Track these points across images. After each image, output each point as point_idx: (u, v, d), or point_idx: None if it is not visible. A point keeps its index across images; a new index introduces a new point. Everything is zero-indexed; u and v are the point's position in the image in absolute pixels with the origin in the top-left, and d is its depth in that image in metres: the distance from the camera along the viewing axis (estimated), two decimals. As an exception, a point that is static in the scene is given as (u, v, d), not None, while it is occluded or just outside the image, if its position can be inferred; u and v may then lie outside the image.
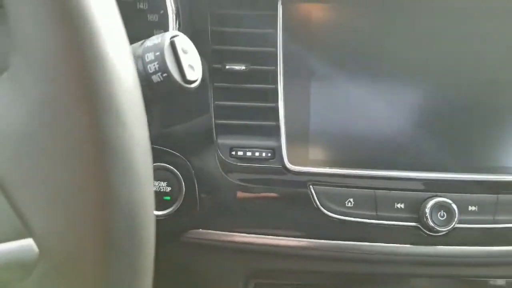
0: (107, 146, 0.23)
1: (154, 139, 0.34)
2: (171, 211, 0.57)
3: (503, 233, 0.59)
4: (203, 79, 0.40)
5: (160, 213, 0.56)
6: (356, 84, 0.59)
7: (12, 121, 0.23)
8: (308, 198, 0.57)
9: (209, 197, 0.58)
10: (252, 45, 0.59)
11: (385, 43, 0.59)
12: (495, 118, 0.59)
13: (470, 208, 0.57)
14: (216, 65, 0.59)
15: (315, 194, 0.57)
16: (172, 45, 0.36)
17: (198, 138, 0.59)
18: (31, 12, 0.23)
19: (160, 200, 0.57)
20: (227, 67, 0.58)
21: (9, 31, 0.24)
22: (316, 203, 0.57)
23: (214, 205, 0.59)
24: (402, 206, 0.57)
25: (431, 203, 0.56)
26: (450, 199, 0.56)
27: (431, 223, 0.55)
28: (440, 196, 0.56)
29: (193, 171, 0.57)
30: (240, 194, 0.58)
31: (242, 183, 0.58)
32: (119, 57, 0.25)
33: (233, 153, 0.58)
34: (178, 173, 0.57)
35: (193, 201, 0.57)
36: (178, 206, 0.57)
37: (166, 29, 0.61)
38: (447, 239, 0.58)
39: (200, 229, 0.59)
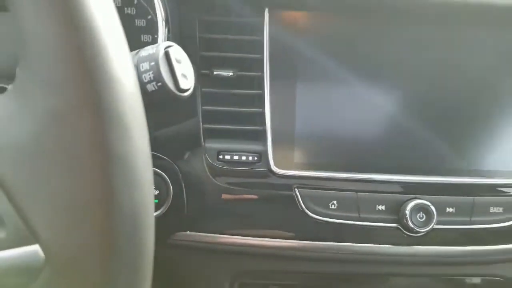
0: (111, 156, 0.24)
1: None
2: (159, 213, 0.57)
3: (479, 233, 0.61)
4: None
5: (148, 215, 0.57)
6: (340, 89, 0.60)
7: (19, 132, 0.24)
8: (293, 201, 0.59)
9: (196, 200, 0.59)
10: (239, 52, 0.60)
11: (368, 50, 0.60)
12: (471, 123, 0.61)
13: (447, 209, 0.59)
14: (204, 71, 0.59)
15: (300, 196, 0.59)
16: (167, 55, 0.37)
17: (186, 142, 0.59)
18: (38, 27, 0.24)
19: (148, 203, 0.57)
20: (215, 73, 0.59)
21: (16, 44, 0.25)
22: (301, 205, 0.59)
23: (202, 208, 0.59)
24: (383, 208, 0.59)
25: (410, 205, 0.57)
26: (428, 201, 0.58)
27: (410, 224, 0.57)
28: (419, 198, 0.58)
29: (180, 175, 0.58)
30: (227, 197, 0.59)
31: (229, 186, 0.59)
32: (123, 71, 0.26)
33: (221, 156, 0.58)
34: (166, 176, 0.57)
35: (181, 204, 0.58)
36: (166, 209, 0.57)
37: (154, 34, 0.61)
38: (426, 240, 0.59)
39: (188, 232, 0.60)
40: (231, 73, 0.59)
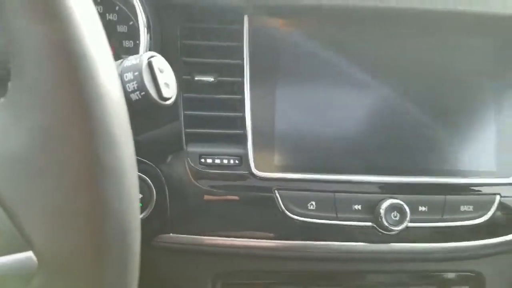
0: (100, 167, 0.25)
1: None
2: (142, 217, 0.58)
3: (451, 230, 0.63)
4: None
5: (132, 218, 0.58)
6: (318, 93, 0.62)
7: (11, 144, 0.25)
8: (273, 202, 0.60)
9: (179, 203, 0.59)
10: (220, 58, 0.61)
11: (345, 54, 0.62)
12: (443, 125, 0.63)
13: (420, 208, 0.61)
14: (186, 77, 0.61)
15: (280, 198, 0.60)
16: (150, 65, 0.38)
17: (168, 146, 0.60)
18: (30, 42, 0.25)
19: (132, 207, 0.58)
20: (196, 78, 0.60)
21: (9, 58, 0.26)
22: (281, 206, 0.60)
23: (184, 211, 0.60)
24: (359, 207, 0.60)
25: (385, 204, 0.59)
26: (402, 200, 0.60)
27: (385, 223, 0.59)
28: (394, 198, 0.60)
29: (163, 178, 0.59)
30: (209, 199, 0.60)
31: (211, 189, 0.60)
32: (110, 84, 0.27)
33: (202, 160, 0.59)
34: (148, 180, 0.58)
35: (164, 207, 0.59)
36: (149, 212, 0.58)
37: (135, 40, 0.62)
38: (400, 237, 0.61)
39: (171, 234, 0.61)
40: (212, 79, 0.60)
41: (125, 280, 0.28)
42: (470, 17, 0.64)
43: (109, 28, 0.61)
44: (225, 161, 0.60)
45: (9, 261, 0.25)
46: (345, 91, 0.63)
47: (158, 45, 0.61)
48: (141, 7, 0.60)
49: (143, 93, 0.37)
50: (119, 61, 0.40)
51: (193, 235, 0.61)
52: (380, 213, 0.59)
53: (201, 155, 0.60)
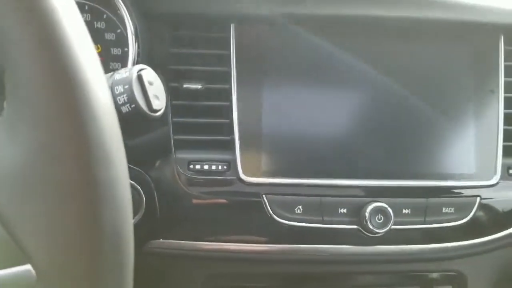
0: (95, 183, 0.26)
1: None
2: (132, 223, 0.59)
3: (433, 232, 0.65)
4: None
5: (121, 225, 0.58)
6: (304, 99, 0.63)
7: (8, 162, 0.26)
8: (261, 207, 0.61)
9: (168, 208, 0.60)
10: (207, 65, 0.62)
11: (331, 61, 0.64)
12: (424, 130, 0.65)
13: (404, 211, 0.63)
14: (174, 84, 0.61)
15: (268, 202, 0.61)
16: (139, 78, 0.39)
17: (157, 153, 0.61)
18: (23, 61, 0.25)
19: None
20: (184, 86, 0.61)
21: (4, 78, 0.26)
22: (268, 211, 0.61)
23: (174, 216, 0.61)
24: (345, 211, 0.62)
25: (370, 208, 0.61)
26: (386, 203, 0.61)
27: (370, 226, 0.60)
28: (378, 201, 0.61)
29: (153, 185, 0.59)
30: (198, 205, 0.61)
31: (200, 195, 0.60)
32: (103, 101, 0.28)
33: (191, 166, 0.60)
34: (138, 187, 0.58)
35: (154, 213, 0.59)
36: (139, 218, 0.58)
37: (123, 47, 0.63)
38: (385, 239, 0.63)
39: (161, 239, 0.61)
40: (199, 86, 0.61)
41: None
42: (449, 24, 0.66)
43: (97, 36, 0.61)
44: (214, 167, 0.60)
45: (9, 274, 0.26)
46: (330, 97, 0.64)
47: (146, 53, 0.62)
48: (128, 16, 0.60)
49: (133, 105, 0.38)
50: (110, 74, 0.41)
51: (183, 240, 0.62)
52: (365, 216, 0.61)
53: (189, 162, 0.60)
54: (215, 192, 0.61)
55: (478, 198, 0.65)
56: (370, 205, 0.61)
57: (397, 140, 0.65)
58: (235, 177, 0.61)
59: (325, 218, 0.62)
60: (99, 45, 0.63)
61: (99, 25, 0.63)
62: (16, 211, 0.27)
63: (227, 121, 0.62)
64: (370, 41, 0.64)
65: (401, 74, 0.65)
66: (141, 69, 0.40)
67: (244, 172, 0.61)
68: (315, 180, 0.62)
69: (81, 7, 0.61)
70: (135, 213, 0.59)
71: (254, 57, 0.63)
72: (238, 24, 0.62)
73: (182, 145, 0.61)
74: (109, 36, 0.63)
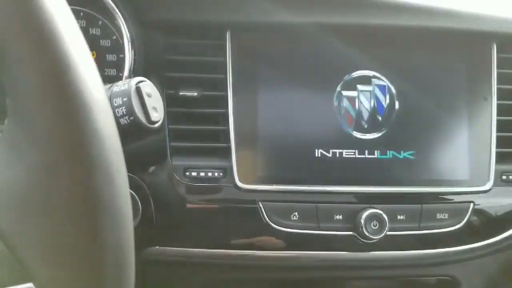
0: (97, 202, 0.26)
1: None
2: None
3: (428, 238, 0.65)
4: None
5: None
6: (300, 105, 0.64)
7: (10, 181, 0.26)
8: (257, 213, 0.61)
9: (165, 216, 0.60)
10: (203, 73, 0.62)
11: (325, 68, 0.64)
12: (417, 137, 0.66)
13: (398, 217, 0.63)
14: (170, 91, 0.61)
15: (264, 209, 0.61)
16: (138, 90, 0.39)
17: (153, 160, 0.61)
18: (27, 84, 0.26)
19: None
20: (180, 93, 0.61)
21: (6, 96, 0.26)
22: (264, 217, 0.61)
23: (170, 224, 0.61)
24: (341, 217, 0.62)
25: (365, 214, 0.61)
26: (381, 210, 0.61)
27: (365, 232, 0.61)
28: (373, 208, 0.62)
29: (149, 192, 0.59)
30: (194, 212, 0.61)
31: (196, 202, 0.61)
32: (105, 120, 0.28)
33: (187, 173, 0.60)
34: (134, 194, 0.58)
35: (150, 220, 0.59)
36: (135, 225, 0.58)
37: (119, 54, 0.62)
38: (380, 245, 0.63)
39: (157, 246, 0.61)
40: (196, 93, 0.61)
41: None
42: (443, 33, 0.66)
43: (92, 43, 0.61)
44: (210, 174, 0.60)
45: None
46: (326, 103, 0.64)
47: (142, 60, 0.62)
48: (124, 23, 0.60)
49: (132, 117, 0.38)
50: (108, 86, 0.41)
51: (179, 247, 0.62)
52: (360, 223, 0.61)
53: (186, 168, 0.60)
54: (211, 199, 0.62)
55: (472, 204, 0.66)
56: (365, 211, 0.62)
57: (392, 147, 0.65)
58: (231, 184, 0.61)
59: (321, 225, 0.62)
60: (94, 52, 0.62)
61: (94, 31, 0.63)
62: (18, 229, 0.27)
63: (223, 128, 0.62)
64: (366, 49, 0.65)
65: (395, 81, 0.65)
66: (140, 81, 0.40)
67: (240, 179, 0.61)
68: (311, 187, 0.62)
69: (76, 13, 0.61)
70: (131, 220, 0.59)
71: (250, 64, 0.63)
72: (234, 32, 0.62)
73: (178, 152, 0.61)
74: (104, 42, 0.63)
